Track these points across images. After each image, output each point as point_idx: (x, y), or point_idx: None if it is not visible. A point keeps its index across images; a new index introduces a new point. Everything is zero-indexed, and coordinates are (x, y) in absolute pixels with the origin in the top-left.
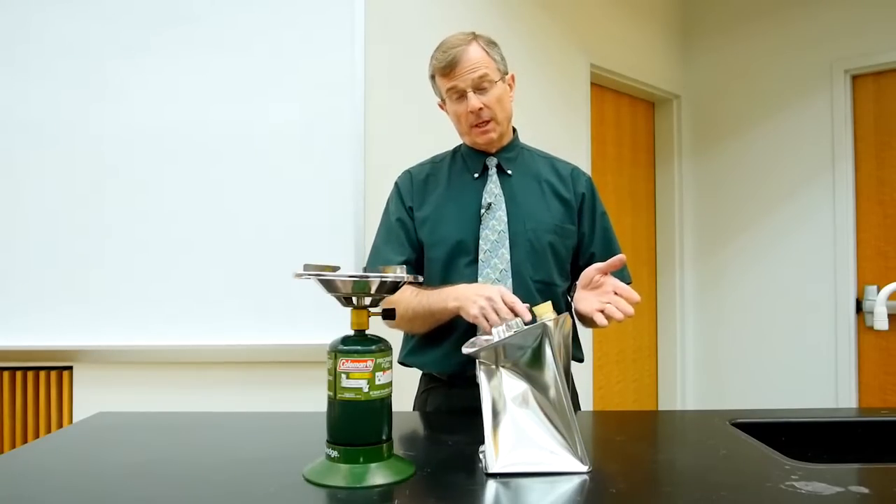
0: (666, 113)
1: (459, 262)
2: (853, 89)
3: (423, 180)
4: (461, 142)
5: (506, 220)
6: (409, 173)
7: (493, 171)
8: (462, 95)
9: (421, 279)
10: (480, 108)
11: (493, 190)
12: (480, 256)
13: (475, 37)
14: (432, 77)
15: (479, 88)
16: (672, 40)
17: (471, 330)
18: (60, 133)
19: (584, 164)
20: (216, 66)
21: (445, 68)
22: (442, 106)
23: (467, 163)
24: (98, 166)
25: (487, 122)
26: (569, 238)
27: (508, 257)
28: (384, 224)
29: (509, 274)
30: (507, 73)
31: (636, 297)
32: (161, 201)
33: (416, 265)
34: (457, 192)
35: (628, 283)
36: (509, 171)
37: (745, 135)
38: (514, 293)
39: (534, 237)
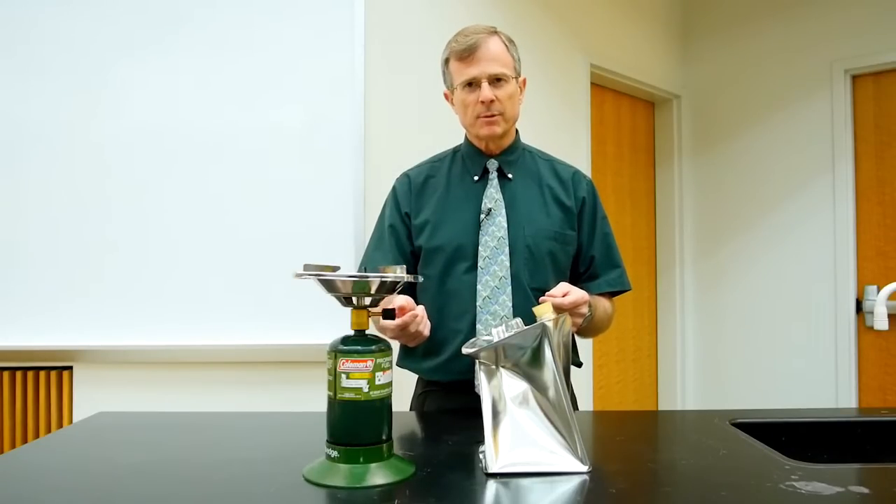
0: (666, 113)
1: (458, 269)
2: (853, 89)
3: (422, 183)
4: (461, 141)
5: (505, 226)
6: (406, 176)
7: (493, 175)
8: (475, 84)
9: (420, 279)
10: (492, 101)
11: (493, 195)
12: (480, 263)
13: (497, 31)
14: (445, 62)
15: (495, 81)
16: (672, 40)
17: (469, 339)
18: (61, 133)
19: (584, 164)
20: (216, 66)
21: (464, 52)
22: (448, 96)
23: (467, 164)
24: (98, 167)
25: (495, 115)
26: (569, 244)
27: (508, 264)
28: (377, 229)
29: (509, 281)
30: (520, 75)
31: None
32: (161, 201)
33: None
34: (456, 197)
35: (626, 290)
36: (510, 175)
37: (745, 135)
38: (512, 300)
39: (533, 244)
